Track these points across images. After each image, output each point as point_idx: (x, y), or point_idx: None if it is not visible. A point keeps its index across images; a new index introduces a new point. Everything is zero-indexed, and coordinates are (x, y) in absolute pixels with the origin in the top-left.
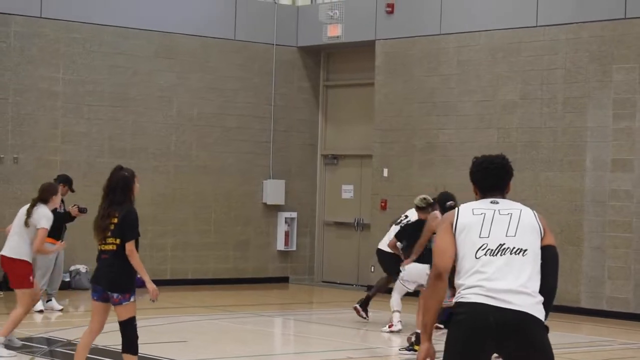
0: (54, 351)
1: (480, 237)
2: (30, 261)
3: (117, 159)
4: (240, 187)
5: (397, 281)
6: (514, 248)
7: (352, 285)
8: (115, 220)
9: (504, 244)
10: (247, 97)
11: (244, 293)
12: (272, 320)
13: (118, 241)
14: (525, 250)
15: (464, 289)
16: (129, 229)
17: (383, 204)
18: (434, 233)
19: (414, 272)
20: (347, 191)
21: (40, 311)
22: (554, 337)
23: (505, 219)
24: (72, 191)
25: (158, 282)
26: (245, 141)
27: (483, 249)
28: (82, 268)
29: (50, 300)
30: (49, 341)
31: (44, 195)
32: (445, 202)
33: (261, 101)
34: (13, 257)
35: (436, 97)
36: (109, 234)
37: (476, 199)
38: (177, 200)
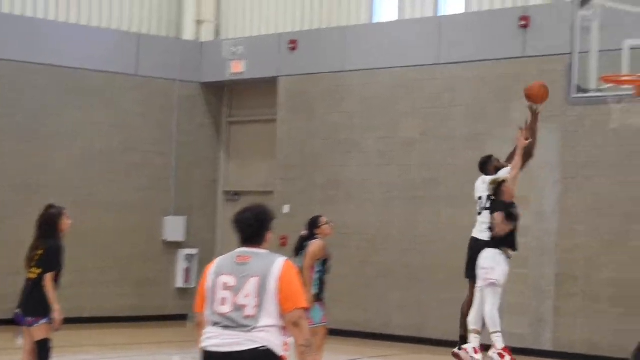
0: None
1: None
2: None
3: (20, 195)
4: (141, 224)
5: (489, 287)
6: None
7: None
8: (40, 252)
9: None
10: (149, 133)
11: (143, 331)
12: (169, 359)
13: (39, 271)
14: None
15: None
16: (48, 261)
17: (283, 241)
18: (319, 259)
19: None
20: None
21: None
22: None
23: None
24: None
25: None
26: (147, 177)
27: None
28: None
29: None
30: None
31: None
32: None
33: (163, 137)
34: None
35: (339, 133)
36: (34, 264)
37: None
38: (78, 236)
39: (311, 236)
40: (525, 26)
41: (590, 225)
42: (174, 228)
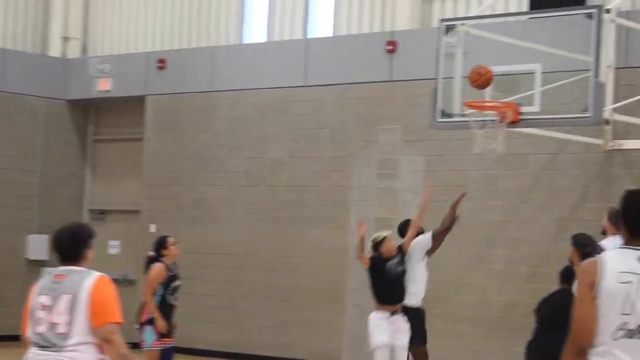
0: None
1: (622, 313)
2: None
3: None
4: (4, 242)
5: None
6: None
7: None
8: None
9: None
10: (13, 150)
11: (6, 351)
12: None
13: None
14: None
15: None
16: None
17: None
18: (162, 283)
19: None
20: (114, 247)
21: None
22: None
23: None
24: None
25: None
26: (10, 195)
27: (623, 329)
28: None
29: None
30: None
31: None
32: None
33: (28, 154)
34: None
35: (206, 153)
36: None
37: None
38: None
39: (157, 257)
40: (392, 51)
41: (452, 249)
42: (37, 246)
